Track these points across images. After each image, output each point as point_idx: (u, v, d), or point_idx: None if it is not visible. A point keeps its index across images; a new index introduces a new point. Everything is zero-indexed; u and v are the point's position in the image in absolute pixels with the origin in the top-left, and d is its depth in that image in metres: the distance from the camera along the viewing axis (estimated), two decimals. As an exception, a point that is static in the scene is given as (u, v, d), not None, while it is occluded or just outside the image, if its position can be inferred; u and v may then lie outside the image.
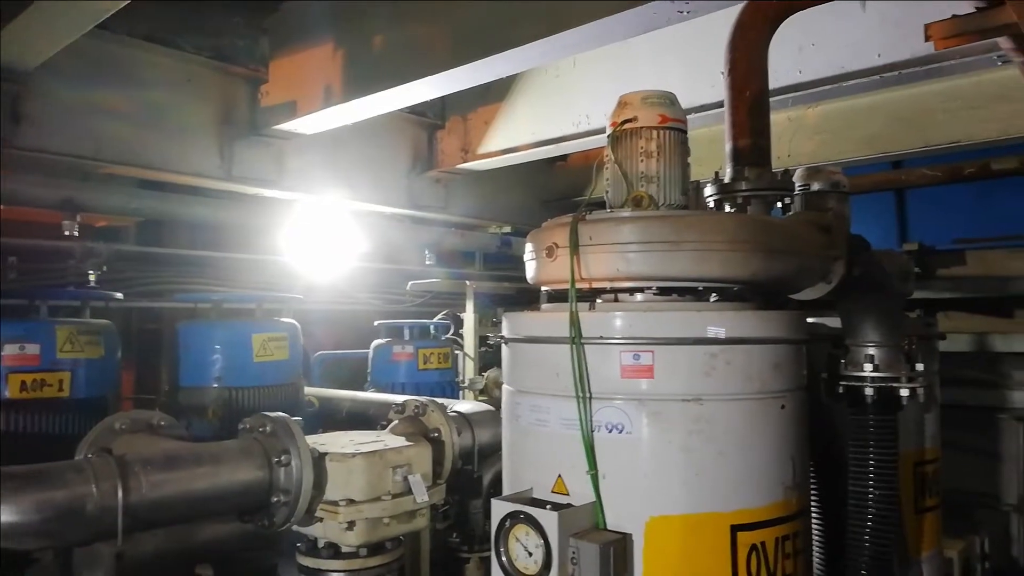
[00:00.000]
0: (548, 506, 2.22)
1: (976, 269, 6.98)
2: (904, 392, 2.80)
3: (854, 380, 2.86)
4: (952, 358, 6.89)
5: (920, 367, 2.86)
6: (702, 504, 2.22)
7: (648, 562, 2.21)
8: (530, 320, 2.53)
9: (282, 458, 2.98)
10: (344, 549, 3.24)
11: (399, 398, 3.82)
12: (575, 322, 2.31)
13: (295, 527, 3.28)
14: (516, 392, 2.54)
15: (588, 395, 2.29)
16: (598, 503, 2.26)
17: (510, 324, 2.61)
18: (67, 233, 4.57)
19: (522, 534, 2.21)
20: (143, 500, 2.65)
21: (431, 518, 3.66)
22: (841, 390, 2.90)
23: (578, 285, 2.42)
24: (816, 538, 2.97)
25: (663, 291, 2.43)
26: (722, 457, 2.24)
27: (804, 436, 2.48)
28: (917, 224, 8.10)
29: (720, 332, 2.24)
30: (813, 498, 3.05)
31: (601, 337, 2.30)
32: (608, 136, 2.65)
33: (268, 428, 3.08)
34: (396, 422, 3.74)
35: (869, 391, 2.82)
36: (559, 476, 2.35)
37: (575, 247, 2.36)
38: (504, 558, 2.25)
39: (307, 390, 5.08)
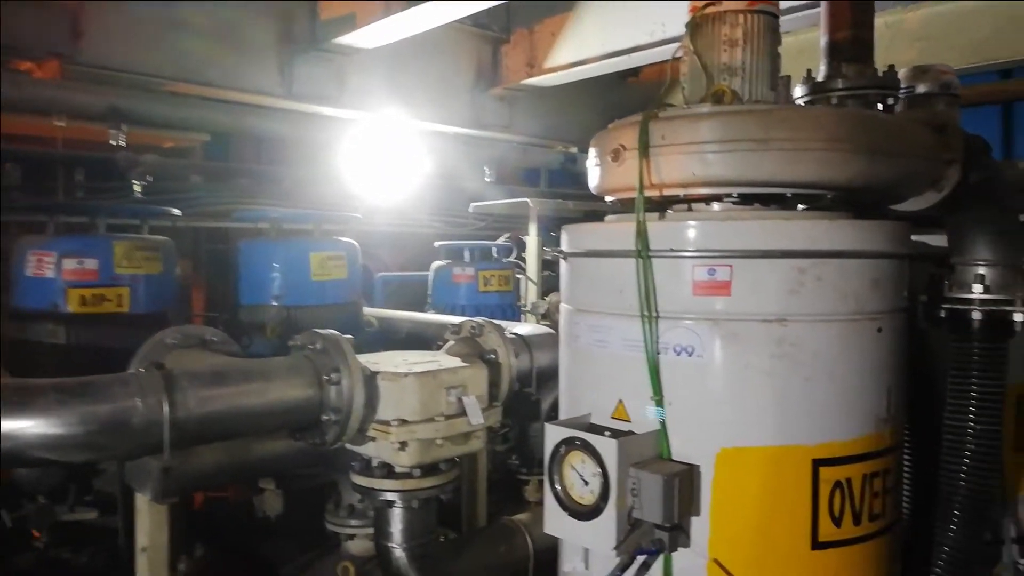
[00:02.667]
0: (607, 432, 2.03)
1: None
2: (1019, 317, 2.47)
3: (959, 303, 2.55)
4: None
5: (1039, 290, 2.52)
6: (782, 435, 1.99)
7: (717, 497, 2.01)
8: (591, 232, 2.28)
9: (332, 376, 2.87)
10: (398, 469, 3.14)
11: (457, 319, 3.67)
12: (642, 232, 2.05)
13: (348, 446, 3.21)
14: (575, 311, 2.33)
15: (655, 314, 2.06)
16: (663, 431, 2.05)
17: (570, 237, 2.37)
18: (112, 143, 4.51)
19: (577, 462, 2.03)
20: (190, 415, 2.57)
21: (489, 440, 3.53)
22: (943, 314, 2.60)
23: (648, 193, 2.15)
24: (905, 478, 2.72)
25: (744, 200, 2.15)
26: (808, 384, 1.99)
27: (903, 364, 2.20)
28: (1025, 141, 7.39)
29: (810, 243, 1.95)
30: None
31: (672, 250, 2.04)
32: (687, 24, 2.33)
33: (319, 345, 2.96)
34: (452, 343, 3.59)
35: (976, 315, 2.51)
36: (620, 401, 2.14)
37: (645, 148, 2.09)
38: (558, 486, 2.08)
39: (367, 311, 4.99)
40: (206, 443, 2.88)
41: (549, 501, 2.11)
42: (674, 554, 2.04)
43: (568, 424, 2.12)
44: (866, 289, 2.03)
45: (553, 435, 2.10)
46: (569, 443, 2.06)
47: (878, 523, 2.08)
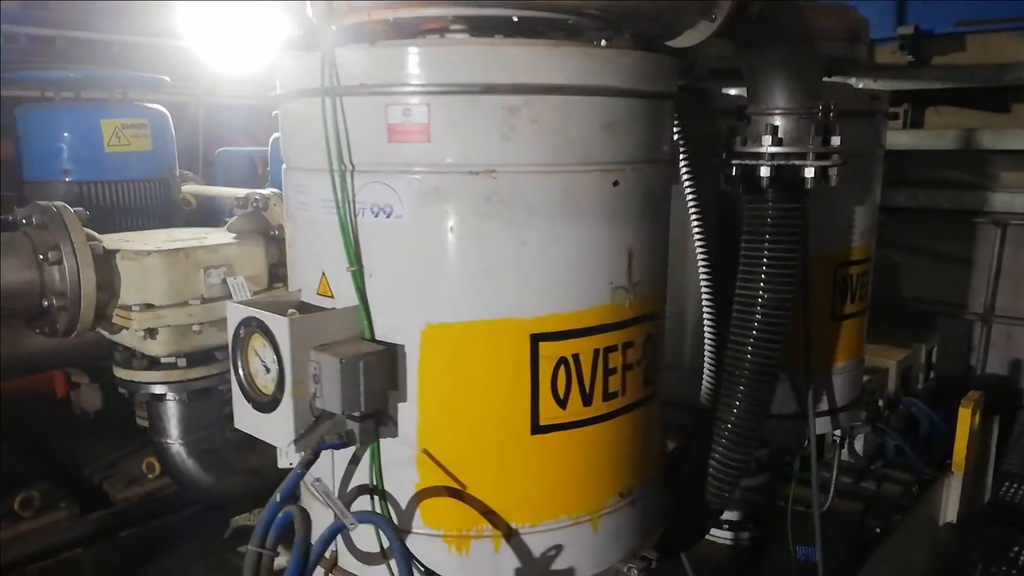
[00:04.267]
0: (290, 311, 1.70)
1: (975, 56, 6.14)
2: (809, 173, 2.21)
3: (750, 158, 2.27)
4: (935, 158, 6.28)
5: (836, 141, 2.25)
6: (493, 308, 1.69)
7: (425, 380, 1.73)
8: (290, 67, 1.87)
9: (50, 255, 2.46)
10: (163, 360, 2.81)
11: (243, 191, 3.25)
12: (327, 63, 1.66)
13: (107, 335, 2.84)
14: (287, 170, 1.95)
15: (350, 167, 1.70)
16: (362, 307, 1.74)
17: (281, 76, 1.95)
18: None
19: (259, 346, 1.71)
20: None
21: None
22: (736, 171, 2.33)
23: (353, 17, 1.75)
24: (709, 353, 2.52)
25: (481, 29, 1.76)
26: (523, 248, 1.68)
27: (655, 224, 1.91)
28: (918, 4, 7.06)
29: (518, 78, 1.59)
30: (707, 305, 2.57)
31: (363, 85, 1.66)
32: None
33: (36, 219, 2.52)
34: (236, 218, 3.19)
35: (765, 170, 2.24)
36: (323, 274, 1.81)
37: (332, -43, 1.66)
38: (242, 373, 1.77)
39: (188, 188, 4.50)
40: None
41: (235, 391, 1.80)
42: (383, 445, 1.79)
43: (251, 303, 1.78)
44: (597, 134, 1.70)
45: (234, 315, 1.76)
46: (248, 324, 1.73)
47: (616, 402, 1.85)
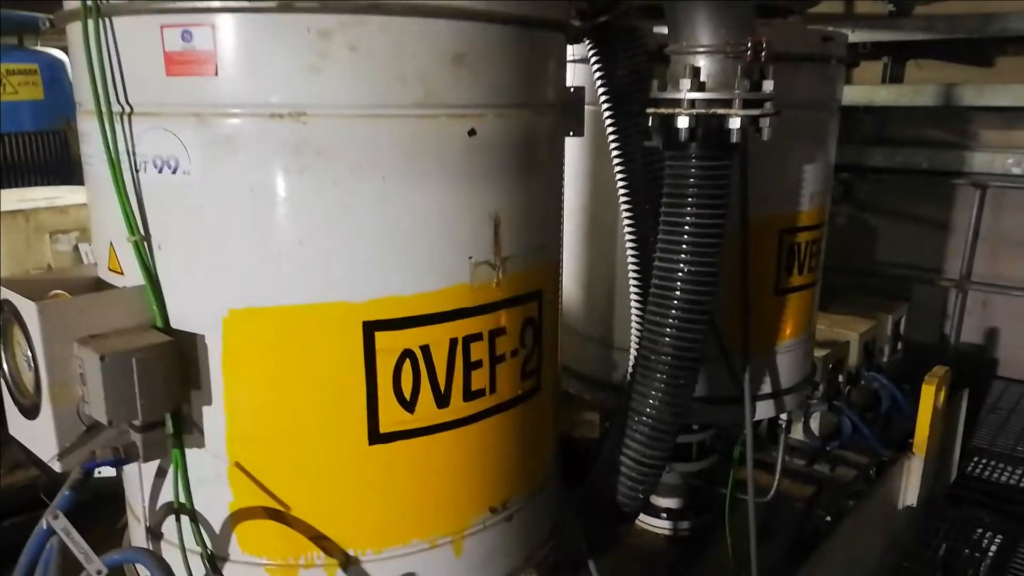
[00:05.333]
0: (54, 293, 1.35)
1: (959, 6, 5.75)
2: (734, 123, 1.85)
3: (667, 104, 1.91)
4: (914, 114, 5.93)
5: (769, 87, 1.89)
6: (311, 289, 1.34)
7: (231, 377, 1.38)
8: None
9: None
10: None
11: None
12: (84, -26, 1.28)
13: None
14: (79, 113, 1.57)
15: (125, 108, 1.33)
16: (149, 287, 1.38)
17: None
18: None
19: (22, 337, 1.36)
20: None
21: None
22: (653, 122, 1.97)
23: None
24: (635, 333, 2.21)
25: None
26: (347, 215, 1.32)
27: (533, 184, 1.56)
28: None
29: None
30: (634, 278, 2.24)
31: (132, 1, 1.28)
32: None
33: None
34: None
35: (684, 120, 1.89)
36: (111, 245, 1.45)
37: None
38: (7, 367, 1.42)
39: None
40: None
41: (3, 391, 1.45)
42: (190, 457, 1.45)
43: (10, 282, 1.42)
44: (442, 69, 1.33)
45: (-9, 297, 1.41)
46: (4, 309, 1.37)
47: (483, 402, 1.51)
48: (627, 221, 2.28)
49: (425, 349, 1.42)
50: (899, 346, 4.65)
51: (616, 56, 2.27)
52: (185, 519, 1.46)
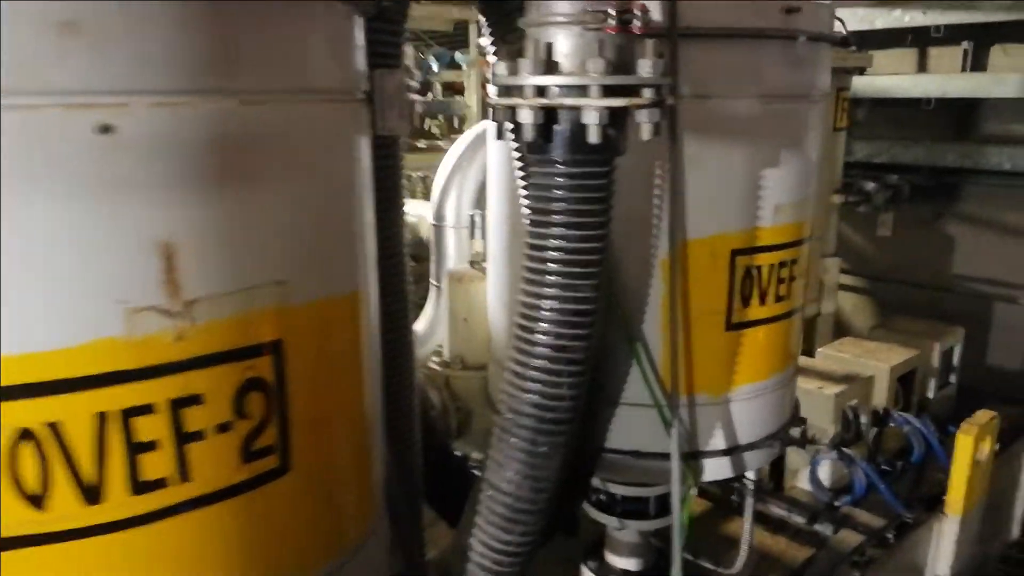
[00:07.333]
0: None
1: (1061, -27, 4.92)
2: (590, 119, 1.38)
3: (512, 93, 1.47)
4: (995, 108, 5.14)
5: (646, 68, 1.40)
6: None
7: None
8: None
9: None
10: None
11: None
12: None
13: None
14: None
15: None
16: None
17: None
18: None
19: None
20: None
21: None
22: (496, 117, 1.55)
23: None
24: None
25: None
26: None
27: (271, 197, 1.13)
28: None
29: None
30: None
31: None
32: None
33: None
34: None
35: (526, 115, 1.45)
36: None
37: None
38: None
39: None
40: None
41: None
42: None
43: None
44: (41, 40, 0.92)
45: None
46: None
47: (167, 495, 1.11)
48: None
49: (54, 428, 1.03)
50: (951, 379, 3.93)
51: (504, 32, 1.85)
52: None
